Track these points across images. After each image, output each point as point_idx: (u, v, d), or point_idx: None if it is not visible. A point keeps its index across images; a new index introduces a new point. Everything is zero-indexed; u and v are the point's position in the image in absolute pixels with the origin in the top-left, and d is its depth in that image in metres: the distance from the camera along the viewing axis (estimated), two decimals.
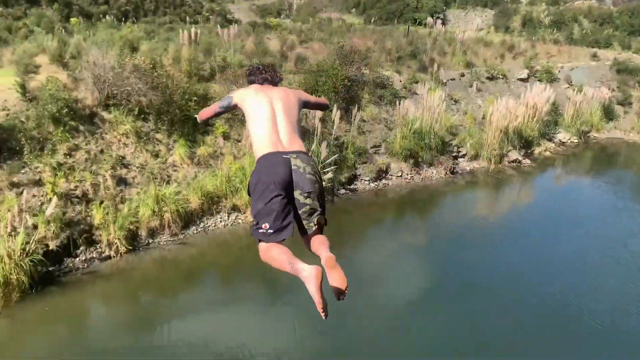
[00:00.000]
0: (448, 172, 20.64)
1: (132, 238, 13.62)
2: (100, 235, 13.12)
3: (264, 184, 3.56)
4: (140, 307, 12.10)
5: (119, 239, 13.17)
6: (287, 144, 3.81)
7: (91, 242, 13.05)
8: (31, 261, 11.38)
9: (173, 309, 11.79)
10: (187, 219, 14.56)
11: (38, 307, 11.08)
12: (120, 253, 13.46)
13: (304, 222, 3.71)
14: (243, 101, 4.15)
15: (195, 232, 14.59)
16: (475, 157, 21.88)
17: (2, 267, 10.89)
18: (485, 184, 21.12)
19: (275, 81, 4.42)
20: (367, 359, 10.55)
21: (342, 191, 18.07)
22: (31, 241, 11.57)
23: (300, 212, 3.67)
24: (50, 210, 11.76)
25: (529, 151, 23.75)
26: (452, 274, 13.91)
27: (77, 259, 12.85)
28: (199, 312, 11.58)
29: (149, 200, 13.88)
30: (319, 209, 3.70)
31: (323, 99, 5.24)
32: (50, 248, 12.23)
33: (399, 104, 20.44)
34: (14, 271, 11.06)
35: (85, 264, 12.84)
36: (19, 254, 11.30)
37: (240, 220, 15.41)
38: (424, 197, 19.34)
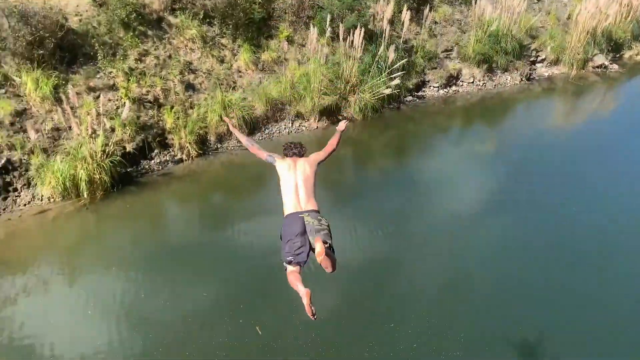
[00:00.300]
0: (524, 79, 19.39)
1: (202, 143, 14.14)
2: (172, 139, 13.70)
3: (287, 237, 5.64)
4: (211, 207, 12.81)
5: (189, 143, 13.72)
6: (304, 205, 5.86)
7: (164, 146, 13.70)
8: (111, 162, 12.19)
9: (241, 209, 12.41)
10: (253, 125, 14.82)
11: (119, 204, 12.01)
12: (192, 157, 14.09)
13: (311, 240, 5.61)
14: (279, 170, 6.46)
15: (260, 138, 14.88)
16: (556, 62, 20.29)
17: (86, 167, 11.74)
18: (564, 91, 19.72)
19: (301, 154, 6.61)
20: (436, 256, 10.75)
21: (409, 98, 17.55)
22: (110, 143, 12.31)
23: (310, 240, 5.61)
24: (125, 113, 12.32)
25: (618, 55, 21.67)
26: (521, 185, 13.52)
27: (152, 161, 13.61)
28: (265, 213, 12.12)
29: (216, 106, 14.17)
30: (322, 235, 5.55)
31: (331, 143, 6.71)
32: (127, 150, 12.99)
33: (475, 3, 18.91)
34: (97, 171, 11.92)
35: (160, 166, 13.59)
36: (99, 155, 12.11)
37: (303, 127, 15.52)
38: (496, 104, 18.43)
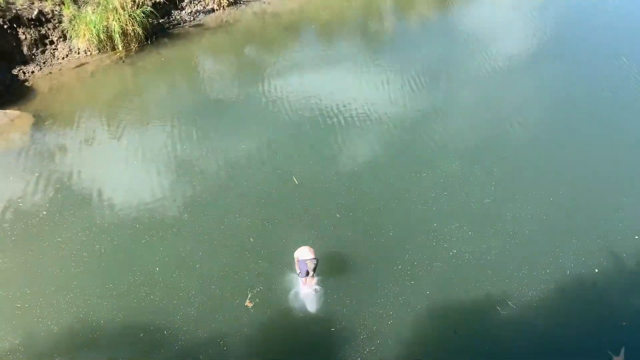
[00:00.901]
0: None
1: None
2: None
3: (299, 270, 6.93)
4: (245, 59, 12.60)
5: None
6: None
7: None
8: (142, 13, 11.91)
9: (275, 61, 12.17)
10: None
11: (154, 57, 11.98)
12: (223, 6, 13.58)
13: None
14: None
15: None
16: None
17: (118, 18, 11.53)
18: None
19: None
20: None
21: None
22: None
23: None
24: None
25: None
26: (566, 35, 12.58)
27: (183, 11, 13.21)
28: (299, 65, 11.92)
29: None
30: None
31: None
32: (157, 0, 12.59)
33: None
34: (129, 22, 11.72)
35: (192, 17, 13.22)
36: (129, 4, 11.81)
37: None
38: None
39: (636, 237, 7.97)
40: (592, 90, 11.35)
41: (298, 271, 6.96)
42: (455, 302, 7.01)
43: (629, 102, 11.00)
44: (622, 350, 4.07)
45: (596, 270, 7.44)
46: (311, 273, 6.88)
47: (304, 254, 6.93)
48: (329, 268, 7.27)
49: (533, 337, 6.72)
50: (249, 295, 6.94)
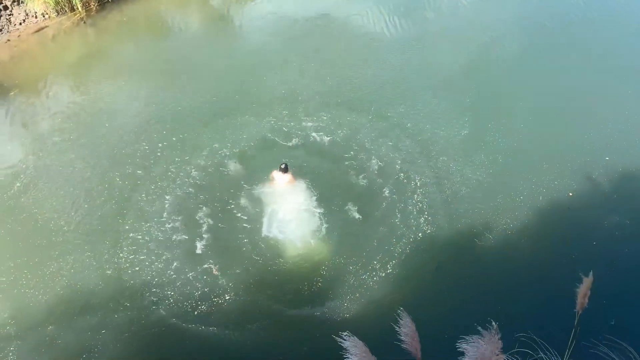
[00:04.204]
0: None
1: None
2: None
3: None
4: (212, 8, 12.18)
5: None
6: None
7: None
8: None
9: (243, 9, 11.86)
10: None
11: (116, 14, 11.55)
12: None
13: None
14: None
15: None
16: None
17: None
18: None
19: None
20: None
21: None
22: None
23: None
24: None
25: None
26: None
27: None
28: (269, 13, 11.63)
29: None
30: None
31: None
32: None
33: None
34: None
35: None
36: None
37: None
38: None
39: (607, 158, 8.09)
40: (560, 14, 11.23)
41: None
42: (436, 236, 7.16)
43: (599, 24, 10.92)
44: (591, 273, 4.22)
45: (570, 194, 7.59)
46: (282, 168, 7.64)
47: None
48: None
49: (511, 265, 6.93)
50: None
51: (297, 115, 8.94)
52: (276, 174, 7.76)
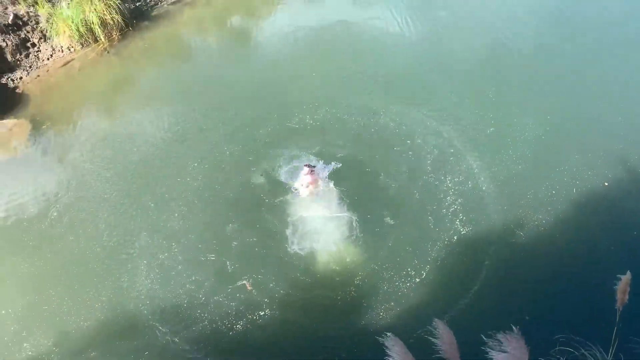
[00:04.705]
0: None
1: None
2: None
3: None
4: (229, 29, 12.41)
5: None
6: None
7: None
8: None
9: (259, 27, 12.02)
10: None
11: (138, 42, 11.86)
12: None
13: None
14: None
15: None
16: None
17: (95, 9, 11.39)
18: None
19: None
20: None
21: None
22: None
23: None
24: None
25: None
26: None
27: None
28: (283, 27, 11.74)
29: None
30: None
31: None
32: None
33: None
34: (106, 11, 11.57)
35: None
36: None
37: None
38: None
39: None
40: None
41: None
42: (467, 237, 7.03)
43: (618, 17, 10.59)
44: (628, 271, 4.10)
45: (605, 184, 7.34)
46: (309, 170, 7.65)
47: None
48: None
49: (547, 261, 6.73)
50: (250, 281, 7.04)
51: (321, 126, 8.98)
52: (302, 177, 7.75)
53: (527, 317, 5.91)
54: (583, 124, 8.23)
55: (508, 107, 8.76)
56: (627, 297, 4.11)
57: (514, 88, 9.18)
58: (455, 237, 6.97)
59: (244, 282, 6.94)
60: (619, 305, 4.17)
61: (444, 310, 6.24)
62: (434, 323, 3.98)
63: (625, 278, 4.10)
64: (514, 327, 3.76)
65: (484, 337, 3.93)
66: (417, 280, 6.63)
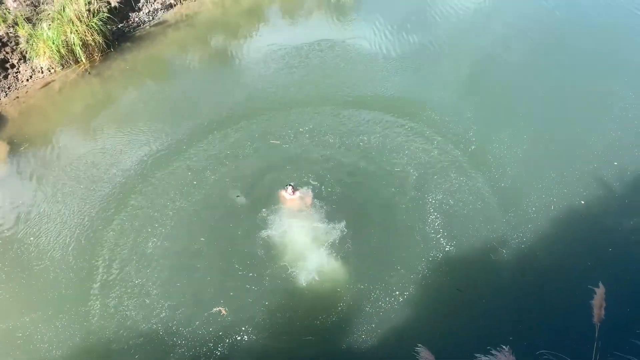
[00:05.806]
0: None
1: None
2: None
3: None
4: (211, 49, 12.43)
5: None
6: None
7: None
8: (100, 20, 11.71)
9: (240, 45, 12.10)
10: None
11: (119, 63, 11.82)
12: (181, 0, 13.35)
13: None
14: None
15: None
16: None
17: (76, 30, 11.36)
18: None
19: None
20: None
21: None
22: (92, 0, 11.69)
23: None
24: None
25: None
26: None
27: (141, 12, 12.99)
28: (262, 44, 11.85)
29: None
30: None
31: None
32: (112, 5, 12.36)
33: None
34: (88, 33, 11.55)
35: (150, 17, 12.99)
36: (86, 15, 11.60)
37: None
38: None
39: (615, 163, 7.92)
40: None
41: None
42: (450, 255, 7.03)
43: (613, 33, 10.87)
44: (600, 284, 4.12)
45: (582, 202, 7.43)
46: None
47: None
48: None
49: (528, 279, 6.75)
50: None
51: (308, 142, 9.00)
52: (285, 194, 7.80)
53: (510, 338, 5.89)
54: (559, 143, 8.36)
55: (487, 126, 8.87)
56: (603, 312, 4.11)
57: (494, 107, 9.30)
58: (439, 256, 6.96)
59: (219, 308, 6.83)
60: (596, 320, 4.17)
61: (427, 332, 6.20)
62: (418, 348, 3.96)
63: (600, 292, 4.12)
64: (504, 347, 3.73)
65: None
66: (401, 300, 6.59)
